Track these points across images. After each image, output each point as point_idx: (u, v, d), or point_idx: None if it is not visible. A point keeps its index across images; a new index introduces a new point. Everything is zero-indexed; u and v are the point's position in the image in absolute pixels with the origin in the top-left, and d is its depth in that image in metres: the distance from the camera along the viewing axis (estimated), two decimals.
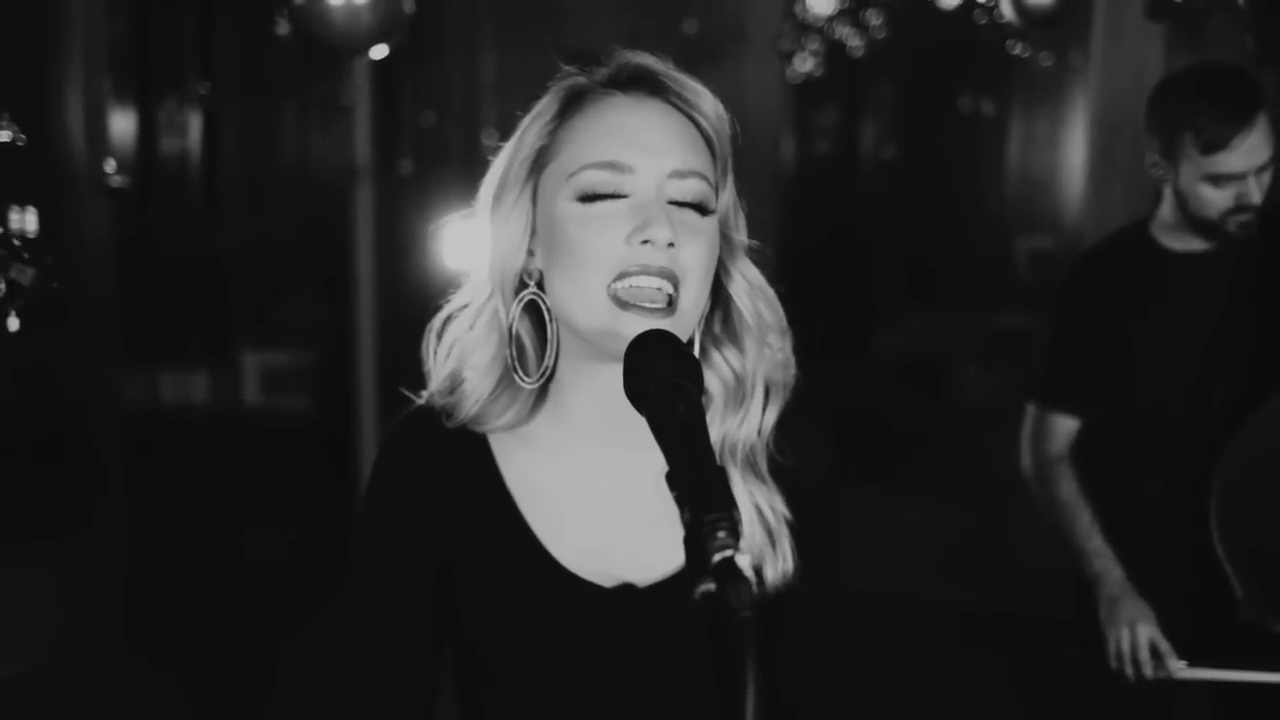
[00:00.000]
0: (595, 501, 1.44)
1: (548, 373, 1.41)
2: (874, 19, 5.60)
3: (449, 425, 1.45)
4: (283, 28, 3.90)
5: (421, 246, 5.53)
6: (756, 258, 1.48)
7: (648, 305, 1.31)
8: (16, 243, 1.55)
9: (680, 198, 1.35)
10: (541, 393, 1.45)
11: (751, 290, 1.45)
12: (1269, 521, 2.50)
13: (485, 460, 1.46)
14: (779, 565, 1.41)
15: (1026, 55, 5.65)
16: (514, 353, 1.41)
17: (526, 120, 1.43)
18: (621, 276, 1.32)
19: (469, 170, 5.58)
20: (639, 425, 1.43)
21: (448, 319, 1.49)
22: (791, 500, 1.44)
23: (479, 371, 1.44)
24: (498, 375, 1.43)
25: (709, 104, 1.41)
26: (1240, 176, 2.56)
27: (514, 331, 1.41)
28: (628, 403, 1.41)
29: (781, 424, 1.46)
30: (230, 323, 5.71)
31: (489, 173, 1.46)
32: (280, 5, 3.82)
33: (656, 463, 1.42)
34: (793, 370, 1.48)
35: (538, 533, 1.42)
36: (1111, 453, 2.84)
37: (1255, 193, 2.57)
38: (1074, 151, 6.19)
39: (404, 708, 1.47)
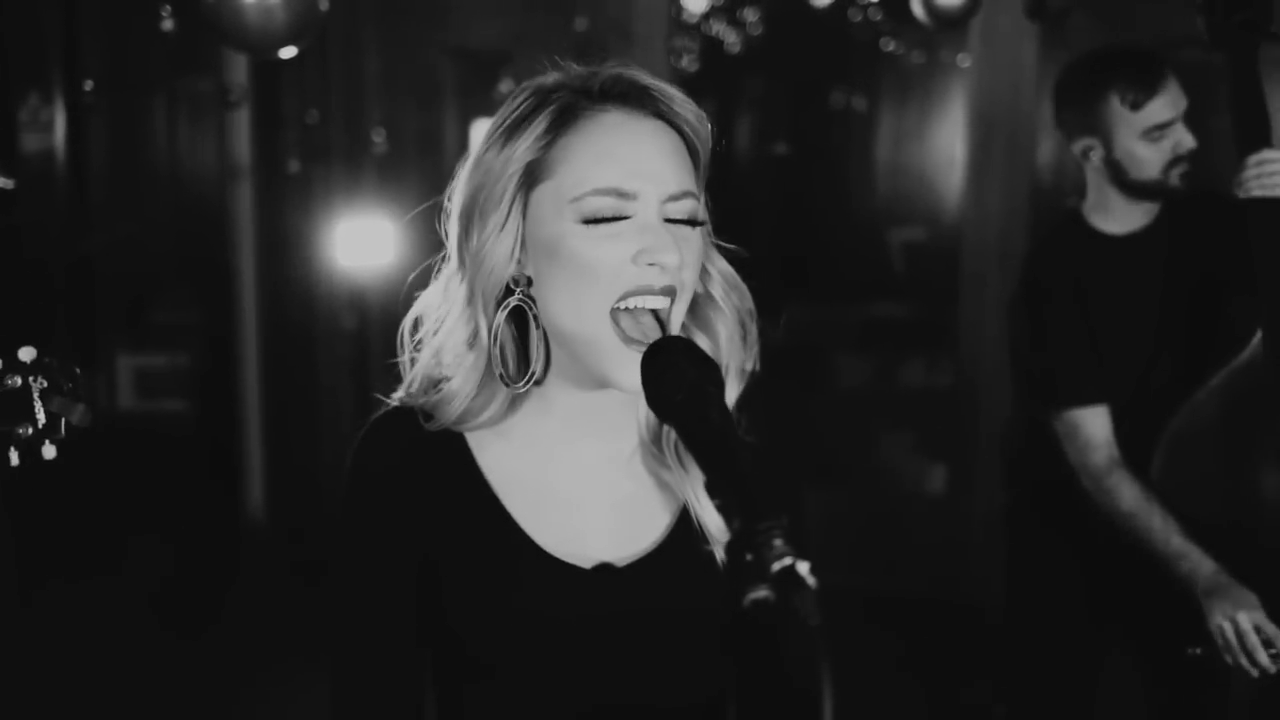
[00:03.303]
0: (572, 488, 1.48)
1: (534, 379, 1.44)
2: (750, 16, 5.68)
3: (430, 427, 1.47)
4: (167, 23, 3.80)
5: (307, 246, 5.43)
6: (727, 253, 1.54)
7: (648, 341, 1.35)
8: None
9: (676, 216, 1.40)
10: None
11: (726, 284, 1.51)
12: (1206, 494, 2.61)
13: (463, 455, 1.48)
14: None
15: (900, 53, 5.81)
16: (499, 358, 1.44)
17: (506, 123, 1.43)
18: (625, 295, 1.37)
19: (353, 168, 5.49)
20: (615, 415, 1.49)
21: (418, 320, 1.51)
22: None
23: (460, 376, 1.46)
24: (478, 378, 1.45)
25: (693, 114, 1.45)
26: (1171, 124, 2.69)
27: (498, 337, 1.43)
28: (606, 400, 1.47)
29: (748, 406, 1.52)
30: (101, 326, 5.52)
31: (462, 182, 1.46)
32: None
33: (629, 447, 1.50)
34: (756, 354, 1.54)
35: (519, 520, 1.46)
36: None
37: (1187, 138, 2.70)
38: (944, 145, 6.39)
39: (397, 709, 1.48)
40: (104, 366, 5.49)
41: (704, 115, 1.47)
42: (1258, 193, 2.47)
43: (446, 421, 1.46)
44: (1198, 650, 2.47)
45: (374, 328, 5.67)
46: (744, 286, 1.53)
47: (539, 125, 1.40)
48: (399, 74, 5.49)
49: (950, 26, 3.27)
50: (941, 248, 6.16)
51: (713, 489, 1.14)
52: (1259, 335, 2.51)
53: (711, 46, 5.70)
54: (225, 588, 5.42)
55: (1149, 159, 2.70)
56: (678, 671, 1.49)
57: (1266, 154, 2.48)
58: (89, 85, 4.15)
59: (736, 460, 1.15)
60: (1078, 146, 2.80)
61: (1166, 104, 2.69)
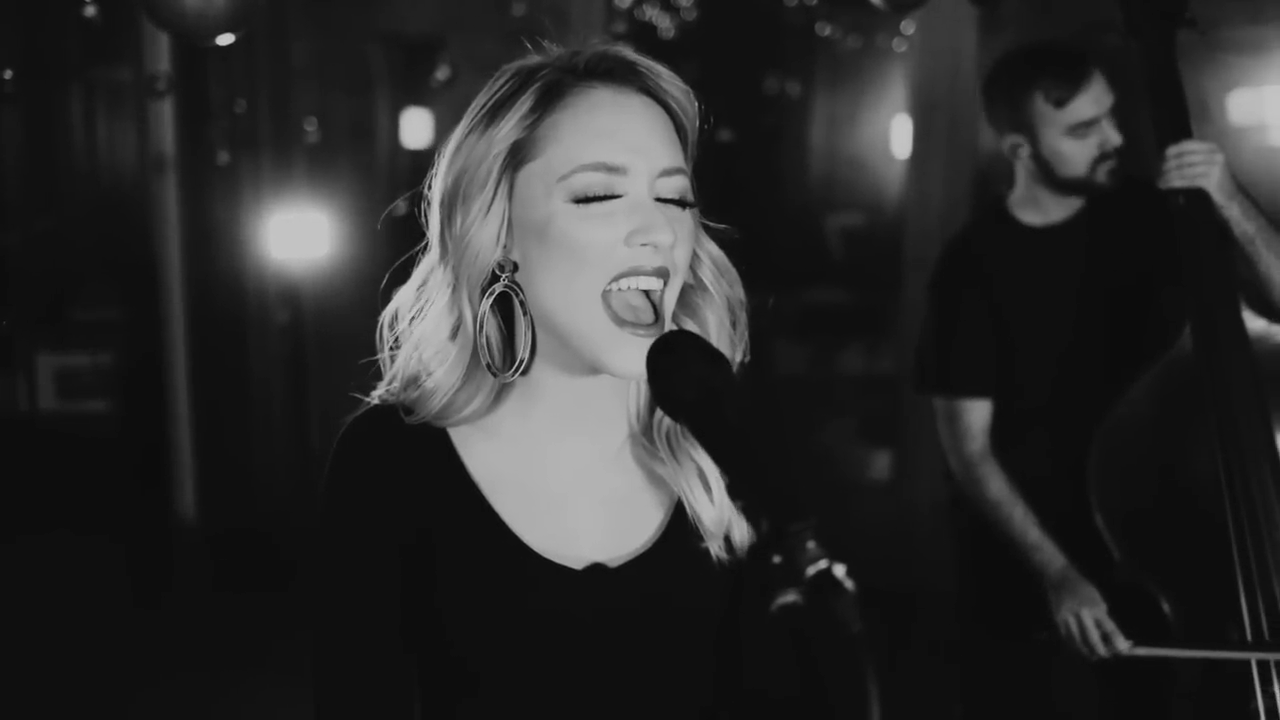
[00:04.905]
0: (561, 486, 1.42)
1: (522, 367, 1.37)
2: (684, 0, 5.64)
3: (410, 421, 1.40)
4: (90, 10, 3.66)
5: (235, 239, 5.30)
6: (717, 235, 1.48)
7: (641, 323, 1.31)
8: None
9: (668, 195, 1.35)
10: (506, 382, 1.41)
11: (716, 269, 1.45)
12: (1144, 485, 2.62)
13: (448, 454, 1.42)
14: (744, 529, 1.41)
15: (836, 37, 5.80)
16: (485, 347, 1.38)
17: (488, 105, 1.37)
18: (617, 277, 1.31)
19: (283, 159, 5.37)
20: (604, 410, 1.43)
21: (398, 313, 1.44)
22: None
23: (443, 369, 1.40)
24: (462, 369, 1.39)
25: (680, 91, 1.40)
26: (1096, 121, 2.70)
27: (483, 326, 1.37)
28: (596, 389, 1.41)
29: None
30: (19, 324, 5.37)
31: (449, 163, 1.39)
32: None
33: (618, 440, 1.45)
34: (747, 344, 1.48)
35: (507, 520, 1.40)
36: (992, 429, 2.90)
37: (1113, 135, 2.71)
38: (881, 131, 6.41)
39: (385, 717, 1.42)
40: (23, 366, 5.33)
41: (691, 92, 1.41)
42: (1178, 183, 2.47)
43: (428, 415, 1.39)
44: (1043, 635, 2.64)
45: (308, 321, 5.56)
46: (734, 272, 1.46)
47: (524, 104, 1.34)
48: (328, 61, 5.37)
49: (907, 10, 3.24)
50: (880, 233, 6.17)
51: (734, 490, 1.09)
52: (1189, 328, 2.52)
53: (644, 32, 5.64)
54: (157, 593, 5.29)
55: (1075, 156, 2.71)
56: (673, 674, 1.43)
57: (1186, 144, 2.48)
58: (8, 74, 3.99)
59: (759, 459, 1.09)
60: (1006, 143, 2.83)
61: (1091, 101, 2.69)
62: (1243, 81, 4.85)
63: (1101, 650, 2.55)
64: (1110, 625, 2.56)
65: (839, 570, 0.99)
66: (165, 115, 5.11)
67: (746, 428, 1.14)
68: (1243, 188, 2.50)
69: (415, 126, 5.76)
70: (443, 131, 5.75)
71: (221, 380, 5.48)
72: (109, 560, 5.24)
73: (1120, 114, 2.75)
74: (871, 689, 0.95)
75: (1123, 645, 2.54)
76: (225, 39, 2.83)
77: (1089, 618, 2.57)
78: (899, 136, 6.36)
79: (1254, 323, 2.50)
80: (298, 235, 4.88)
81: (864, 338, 6.84)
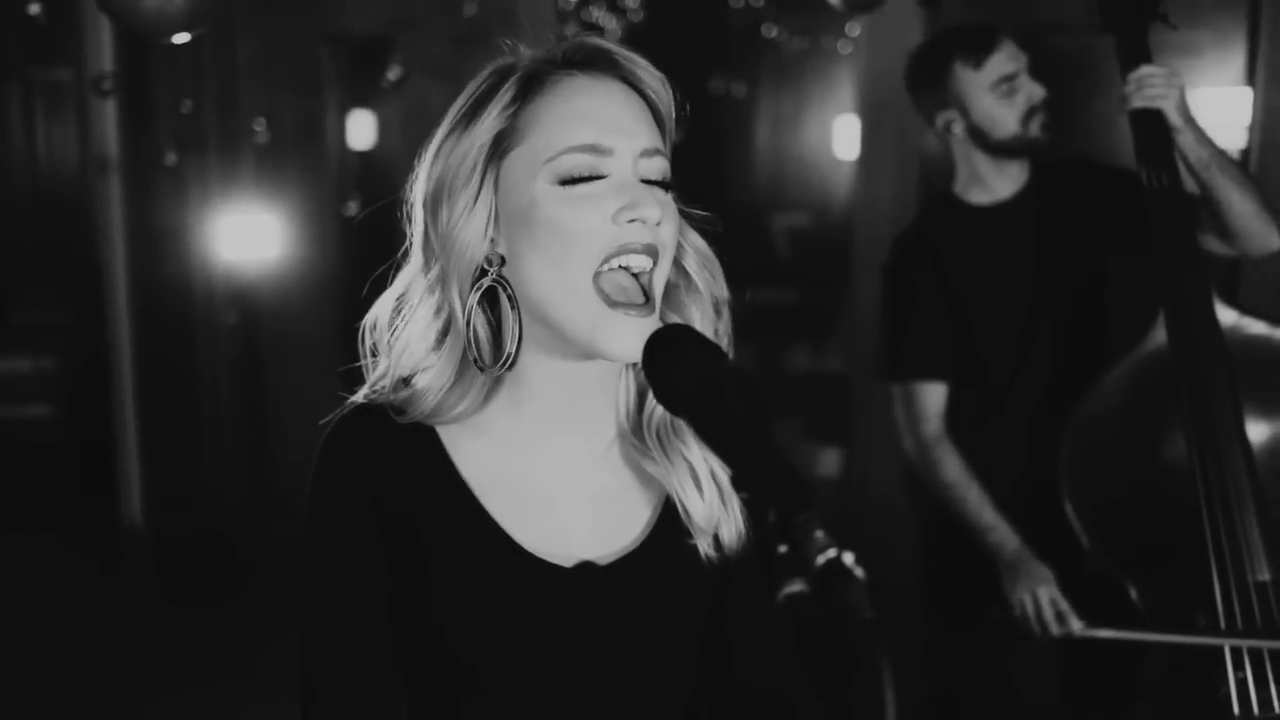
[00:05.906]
0: (551, 484, 1.43)
1: (510, 361, 1.38)
2: (631, 2, 5.64)
3: (401, 420, 1.40)
4: (34, 8, 3.61)
5: (182, 240, 5.23)
6: (699, 227, 1.48)
7: (633, 304, 1.31)
8: None
9: (651, 176, 1.36)
10: (495, 380, 1.42)
11: (700, 260, 1.46)
12: (1116, 476, 2.66)
13: (437, 453, 1.42)
14: (732, 527, 1.42)
15: (782, 39, 5.83)
16: (473, 342, 1.38)
17: (468, 104, 1.39)
18: (607, 257, 1.32)
19: (229, 159, 5.30)
20: (595, 407, 1.44)
21: (385, 314, 1.44)
22: None
23: (435, 369, 1.40)
24: (454, 369, 1.40)
25: (657, 81, 1.42)
26: (1015, 75, 2.80)
27: (472, 320, 1.38)
28: (586, 385, 1.41)
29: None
30: None
31: (430, 165, 1.40)
32: None
33: (607, 440, 1.45)
34: (730, 337, 1.48)
35: (497, 519, 1.40)
36: (954, 412, 2.93)
37: (1035, 89, 2.81)
38: (826, 132, 6.45)
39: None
40: None
41: (666, 81, 1.43)
42: (1139, 104, 2.51)
43: (420, 415, 1.40)
44: (997, 614, 2.68)
45: (257, 323, 5.49)
46: (717, 264, 1.48)
47: (505, 95, 1.36)
48: (276, 61, 5.31)
49: (863, 11, 3.27)
50: (826, 234, 6.20)
51: (739, 482, 1.09)
52: (1160, 319, 2.55)
53: (591, 33, 5.62)
54: (102, 604, 5.21)
55: (1005, 115, 2.80)
56: (661, 669, 1.45)
57: (1146, 69, 2.52)
58: None
59: (764, 450, 1.10)
60: (940, 122, 2.90)
61: (1006, 58, 2.79)
62: None
63: (1055, 630, 2.58)
64: (1064, 605, 2.59)
65: (848, 558, 1.01)
66: (108, 115, 5.03)
67: (750, 418, 1.15)
68: (1194, 119, 2.53)
69: (361, 128, 5.72)
70: (389, 133, 5.73)
71: (169, 383, 5.40)
72: (54, 567, 5.17)
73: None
74: (887, 675, 0.96)
75: (1076, 625, 2.56)
76: (182, 38, 2.79)
77: (1044, 597, 2.60)
78: (843, 137, 6.41)
79: (1225, 315, 2.53)
80: (246, 236, 4.83)
81: (810, 337, 6.86)
